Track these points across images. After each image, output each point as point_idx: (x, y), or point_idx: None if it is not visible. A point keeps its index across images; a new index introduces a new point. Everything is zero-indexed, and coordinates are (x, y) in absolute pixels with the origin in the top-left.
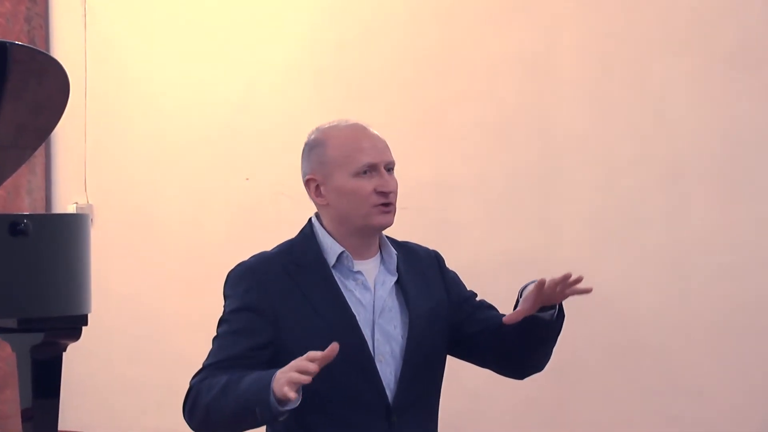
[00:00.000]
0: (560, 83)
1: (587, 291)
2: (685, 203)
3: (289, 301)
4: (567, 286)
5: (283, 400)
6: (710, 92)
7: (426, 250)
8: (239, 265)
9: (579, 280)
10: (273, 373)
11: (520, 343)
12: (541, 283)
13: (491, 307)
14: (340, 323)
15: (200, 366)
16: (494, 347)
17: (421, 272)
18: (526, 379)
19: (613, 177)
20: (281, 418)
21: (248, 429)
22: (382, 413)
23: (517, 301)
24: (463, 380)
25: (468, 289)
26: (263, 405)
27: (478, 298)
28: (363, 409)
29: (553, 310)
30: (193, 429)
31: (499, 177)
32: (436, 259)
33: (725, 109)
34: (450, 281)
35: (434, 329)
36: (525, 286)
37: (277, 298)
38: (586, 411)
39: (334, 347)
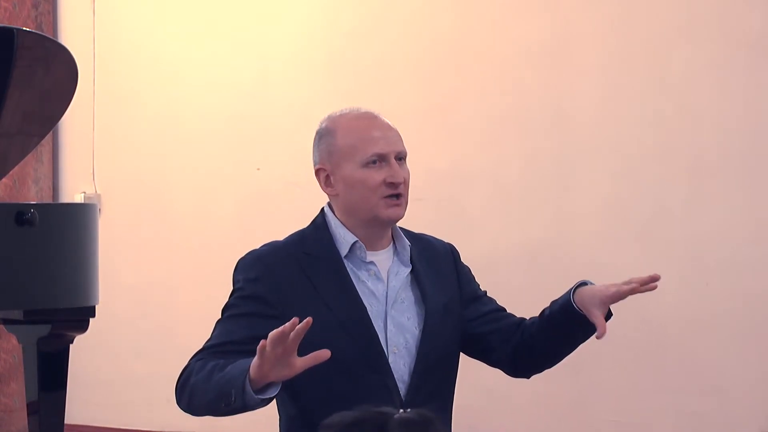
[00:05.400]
0: (578, 71)
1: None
2: (705, 194)
3: (299, 293)
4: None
5: (260, 387)
6: (733, 80)
7: (442, 243)
8: (249, 253)
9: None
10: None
11: (554, 341)
12: (625, 291)
13: (502, 308)
14: (351, 317)
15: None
16: (512, 346)
17: (436, 265)
18: (543, 376)
19: (631, 167)
20: (255, 408)
21: (222, 415)
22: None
23: (549, 309)
24: (477, 376)
25: (484, 279)
26: (238, 389)
27: (488, 295)
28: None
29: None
30: (181, 409)
31: (516, 167)
32: (451, 253)
33: (748, 98)
34: (463, 276)
35: (448, 323)
36: (572, 289)
37: (286, 288)
38: (604, 407)
39: (324, 353)
